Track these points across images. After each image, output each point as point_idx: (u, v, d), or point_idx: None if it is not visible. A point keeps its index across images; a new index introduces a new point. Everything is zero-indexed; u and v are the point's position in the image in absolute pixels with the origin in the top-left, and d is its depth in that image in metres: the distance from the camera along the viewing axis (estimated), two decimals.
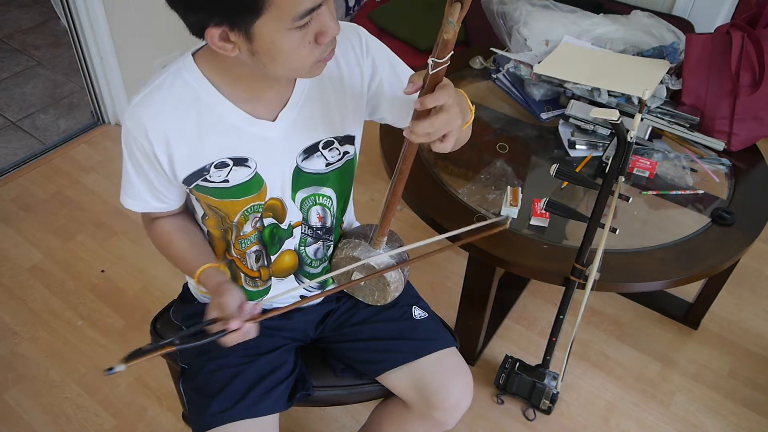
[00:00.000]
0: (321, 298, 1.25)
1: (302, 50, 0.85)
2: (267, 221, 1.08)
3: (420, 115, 0.82)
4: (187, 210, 1.14)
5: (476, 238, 1.13)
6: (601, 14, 2.01)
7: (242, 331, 0.94)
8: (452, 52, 0.78)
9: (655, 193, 1.59)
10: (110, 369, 0.85)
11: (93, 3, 2.28)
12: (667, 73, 1.81)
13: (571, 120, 1.74)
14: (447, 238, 1.18)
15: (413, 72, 1.07)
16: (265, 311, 0.99)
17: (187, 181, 1.00)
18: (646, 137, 1.71)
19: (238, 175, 1.01)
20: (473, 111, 1.00)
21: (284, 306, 1.04)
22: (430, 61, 0.78)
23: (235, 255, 1.13)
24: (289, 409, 1.17)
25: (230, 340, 0.95)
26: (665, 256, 1.43)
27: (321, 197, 1.11)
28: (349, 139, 1.08)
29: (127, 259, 2.10)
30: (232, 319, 0.93)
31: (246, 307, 0.96)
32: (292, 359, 1.21)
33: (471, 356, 1.81)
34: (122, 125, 0.97)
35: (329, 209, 1.13)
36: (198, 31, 0.84)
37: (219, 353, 1.15)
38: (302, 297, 1.23)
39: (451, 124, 0.82)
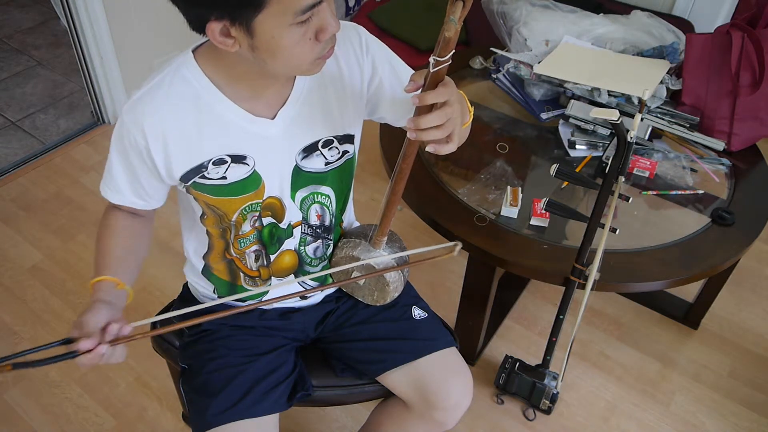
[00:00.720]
0: (322, 297, 1.25)
1: (303, 46, 0.85)
2: (266, 221, 1.08)
3: (421, 112, 0.82)
4: (150, 218, 1.11)
5: (425, 260, 1.09)
6: (601, 14, 2.01)
7: (96, 353, 0.84)
8: (454, 51, 0.78)
9: (655, 193, 1.59)
10: None
11: (93, 3, 2.28)
12: (667, 73, 1.81)
13: (571, 120, 1.74)
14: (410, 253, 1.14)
15: (413, 71, 1.07)
16: (131, 336, 0.90)
17: (185, 177, 0.99)
18: (646, 137, 1.71)
19: (236, 173, 1.01)
20: (472, 112, 1.00)
21: (286, 305, 1.03)
22: (431, 59, 0.78)
23: (234, 254, 1.13)
24: (289, 409, 1.17)
25: (83, 362, 0.85)
26: (665, 256, 1.43)
27: (320, 196, 1.11)
28: (348, 138, 1.08)
29: None
30: (86, 334, 0.85)
31: (111, 329, 0.87)
32: (292, 359, 1.21)
33: (471, 356, 1.81)
34: (119, 118, 0.97)
35: (328, 208, 1.13)
36: (199, 26, 0.84)
37: (219, 353, 1.15)
38: (302, 297, 1.23)
39: (453, 120, 0.82)
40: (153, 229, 1.13)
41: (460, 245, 1.06)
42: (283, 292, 1.19)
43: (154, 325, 1.20)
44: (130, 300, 1.02)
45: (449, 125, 0.82)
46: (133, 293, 1.02)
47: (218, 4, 0.80)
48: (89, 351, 0.84)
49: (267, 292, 1.18)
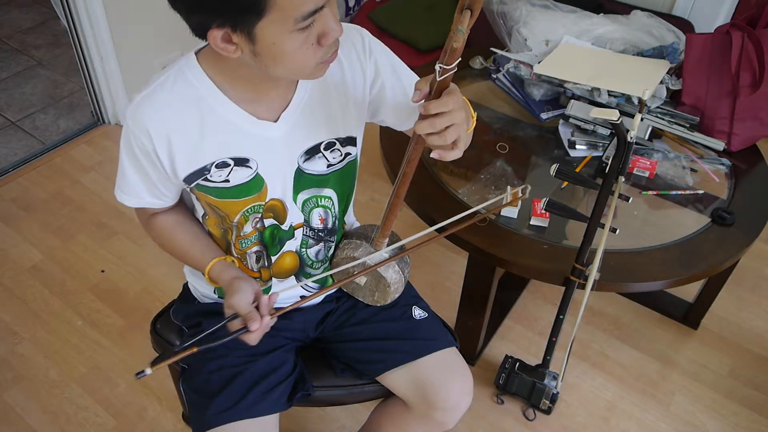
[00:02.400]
0: (322, 297, 1.25)
1: (305, 52, 0.85)
2: (267, 222, 1.08)
3: (424, 118, 0.82)
4: (182, 203, 1.14)
5: (461, 226, 1.13)
6: (601, 14, 2.01)
7: (264, 326, 0.96)
8: (460, 59, 0.78)
9: (655, 193, 1.59)
10: (140, 372, 0.88)
11: (93, 3, 2.28)
12: (667, 73, 1.81)
13: (571, 120, 1.74)
14: (437, 229, 1.18)
15: (415, 74, 1.08)
16: (277, 309, 1.00)
17: (188, 179, 1.00)
18: (646, 137, 1.71)
19: (239, 176, 1.01)
20: (475, 117, 1.00)
21: (286, 306, 1.04)
22: (437, 67, 0.78)
23: (235, 255, 1.13)
24: (289, 409, 1.17)
25: (252, 339, 0.96)
26: (665, 256, 1.43)
27: (322, 199, 1.11)
28: (350, 141, 1.08)
29: (127, 259, 2.10)
30: (249, 316, 0.94)
31: (263, 304, 0.97)
32: (292, 359, 1.21)
33: (471, 356, 1.81)
34: (124, 122, 0.98)
35: (331, 211, 1.13)
36: (201, 33, 0.84)
37: (219, 353, 1.15)
38: (302, 297, 1.23)
39: (458, 127, 0.82)
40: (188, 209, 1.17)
41: (529, 187, 1.11)
42: (285, 295, 1.19)
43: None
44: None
45: (454, 131, 0.82)
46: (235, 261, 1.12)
47: (219, 12, 0.80)
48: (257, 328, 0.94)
49: (268, 291, 1.18)
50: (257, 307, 0.97)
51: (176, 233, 1.10)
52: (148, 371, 0.88)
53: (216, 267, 1.07)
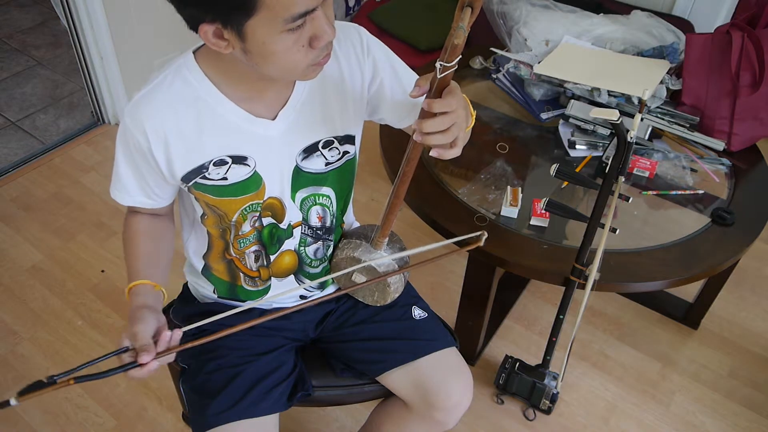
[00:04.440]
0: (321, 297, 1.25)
1: (295, 53, 0.85)
2: (266, 221, 1.08)
3: (425, 116, 0.82)
4: (170, 215, 1.13)
5: (450, 252, 1.11)
6: (601, 14, 2.01)
7: (149, 367, 0.87)
8: (461, 57, 0.78)
9: (655, 193, 1.59)
10: (4, 403, 0.78)
11: (93, 3, 2.28)
12: (667, 73, 1.81)
13: (571, 120, 1.74)
14: (450, 243, 1.18)
15: (414, 73, 1.07)
16: (185, 341, 0.92)
17: (186, 178, 1.00)
18: (646, 137, 1.71)
19: (237, 173, 1.01)
20: (474, 115, 1.00)
21: (285, 308, 1.04)
22: (438, 64, 0.78)
23: (234, 255, 1.13)
24: (289, 409, 1.17)
25: (136, 375, 0.88)
26: (665, 256, 1.43)
27: (321, 197, 1.11)
28: (349, 139, 1.08)
29: None
30: (143, 348, 0.87)
31: (163, 339, 0.90)
32: (291, 359, 1.21)
33: (471, 356, 1.81)
34: (121, 120, 0.98)
35: (329, 209, 1.13)
36: (193, 27, 0.85)
37: (219, 353, 1.15)
38: (302, 297, 1.23)
39: (458, 126, 0.82)
40: (174, 228, 1.15)
41: (485, 234, 1.07)
42: (284, 297, 1.19)
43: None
44: (166, 300, 1.05)
45: (454, 130, 0.82)
46: (166, 293, 1.05)
47: (209, 8, 0.80)
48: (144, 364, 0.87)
49: (268, 289, 1.18)
50: (156, 343, 0.90)
51: (139, 239, 1.07)
52: (14, 402, 0.79)
53: (141, 287, 1.01)
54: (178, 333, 0.92)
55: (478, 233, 1.06)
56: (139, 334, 0.89)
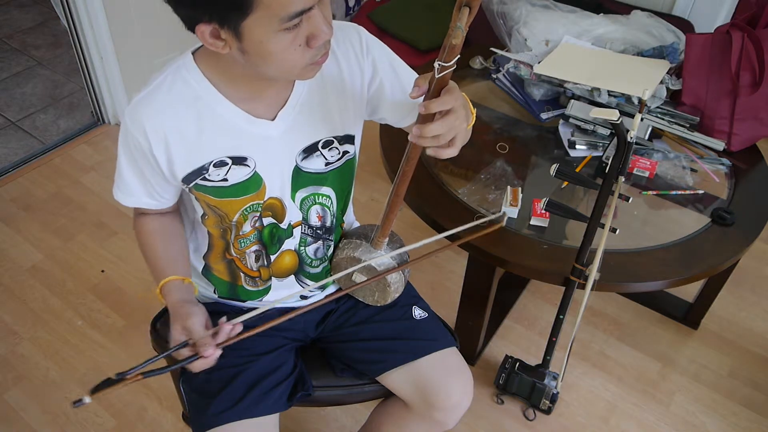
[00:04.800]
0: (321, 298, 1.25)
1: (292, 52, 0.85)
2: (266, 221, 1.08)
3: (425, 118, 0.82)
4: (177, 212, 1.14)
5: (474, 236, 1.12)
6: (601, 14, 2.01)
7: (213, 357, 0.91)
8: (459, 56, 0.78)
9: (655, 193, 1.59)
10: (78, 401, 0.82)
11: (93, 3, 2.28)
12: (667, 73, 1.81)
13: (571, 120, 1.74)
14: (446, 237, 1.18)
15: (414, 72, 1.07)
16: (241, 332, 0.95)
17: (186, 179, 1.00)
18: (646, 137, 1.71)
19: (237, 174, 1.01)
20: (474, 113, 1.00)
21: (305, 306, 1.04)
22: (436, 64, 0.78)
23: (234, 254, 1.13)
24: (289, 409, 1.17)
25: (198, 367, 0.92)
26: (665, 256, 1.43)
27: (320, 197, 1.11)
28: (348, 139, 1.08)
29: (127, 259, 2.10)
30: (201, 343, 0.90)
31: (223, 330, 0.93)
32: (292, 359, 1.21)
33: (471, 356, 1.81)
34: (121, 122, 0.98)
35: (329, 209, 1.13)
36: (190, 27, 0.85)
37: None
38: (302, 297, 1.23)
39: (457, 127, 0.82)
40: (182, 220, 1.16)
41: (506, 215, 1.08)
42: (285, 298, 1.19)
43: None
44: (196, 292, 1.09)
45: (452, 132, 0.82)
46: (197, 286, 1.08)
47: (205, 8, 0.80)
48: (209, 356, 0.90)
49: (269, 289, 1.18)
50: (215, 334, 0.93)
51: (152, 240, 1.08)
52: (87, 400, 0.82)
53: (172, 283, 1.03)
54: (239, 327, 0.95)
55: (499, 213, 1.07)
56: (194, 327, 0.93)
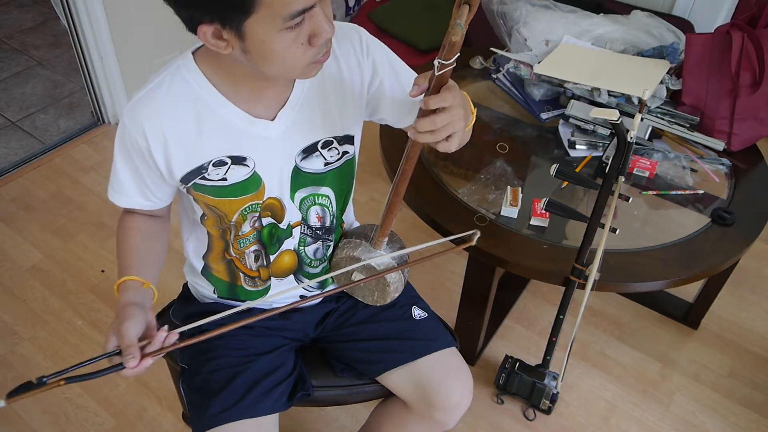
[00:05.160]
0: (320, 298, 1.25)
1: (295, 51, 0.85)
2: (265, 221, 1.08)
3: (424, 114, 0.82)
4: (167, 218, 1.13)
5: (443, 252, 1.11)
6: (601, 14, 2.01)
7: (142, 366, 0.86)
8: (459, 54, 0.78)
9: (655, 193, 1.59)
10: None
11: (93, 3, 2.28)
12: (667, 73, 1.81)
13: (571, 120, 1.74)
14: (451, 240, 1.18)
15: (414, 72, 1.07)
16: (180, 340, 0.91)
17: (185, 179, 1.00)
18: (646, 137, 1.71)
19: (236, 174, 1.01)
20: (475, 113, 1.00)
21: (281, 306, 1.03)
22: (436, 62, 0.78)
23: (233, 255, 1.13)
24: (289, 409, 1.17)
25: (127, 374, 0.87)
26: (665, 256, 1.43)
27: (320, 197, 1.11)
28: (348, 139, 1.08)
29: None
30: (128, 350, 0.85)
31: (157, 339, 0.88)
32: (291, 359, 1.21)
33: (471, 356, 1.81)
34: (120, 121, 0.97)
35: (328, 209, 1.13)
36: (191, 28, 0.85)
37: (219, 353, 1.15)
38: (302, 297, 1.23)
39: (455, 124, 0.82)
40: (169, 229, 1.15)
41: (478, 233, 1.07)
42: (284, 296, 1.19)
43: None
44: (155, 299, 1.03)
45: (448, 128, 0.82)
46: (157, 292, 1.03)
47: (207, 8, 0.80)
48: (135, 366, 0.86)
49: (268, 290, 1.18)
50: (145, 345, 0.88)
51: (133, 235, 1.06)
52: (2, 404, 0.78)
53: (130, 283, 0.98)
54: (174, 335, 0.90)
55: (471, 232, 1.06)
56: (125, 333, 0.87)
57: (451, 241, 1.12)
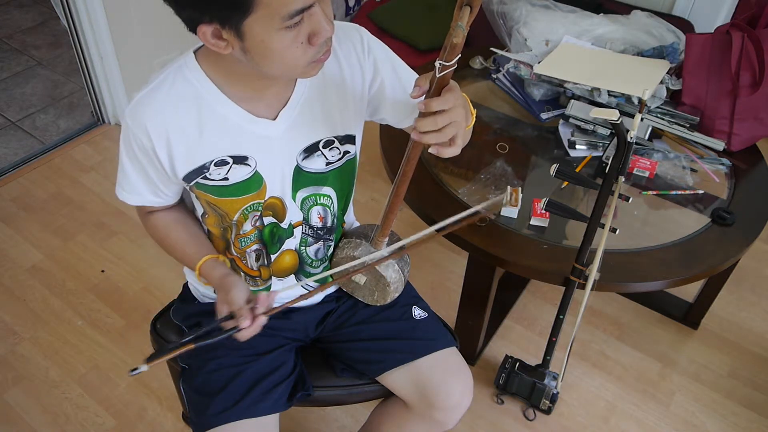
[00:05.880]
0: (321, 297, 1.25)
1: (294, 50, 0.85)
2: (267, 220, 1.08)
3: (425, 116, 0.82)
4: (183, 202, 1.15)
5: (461, 226, 1.10)
6: (601, 14, 2.01)
7: (255, 325, 0.96)
8: (460, 56, 0.78)
9: (655, 193, 1.59)
10: (134, 369, 0.87)
11: (93, 3, 2.28)
12: (667, 73, 1.81)
13: (571, 120, 1.74)
14: (437, 229, 1.17)
15: (415, 72, 1.08)
16: (274, 307, 1.00)
17: (187, 178, 1.00)
18: (646, 137, 1.71)
19: (238, 174, 1.01)
20: (474, 114, 1.00)
21: (289, 299, 1.04)
22: (437, 63, 0.78)
23: (234, 254, 1.13)
24: (289, 409, 1.17)
25: (243, 336, 0.96)
26: (665, 256, 1.43)
27: (321, 197, 1.11)
28: (349, 139, 1.08)
29: (127, 259, 2.10)
30: (241, 312, 0.95)
31: (260, 300, 0.96)
32: (292, 359, 1.21)
33: (471, 356, 1.81)
34: (122, 121, 0.98)
35: (330, 209, 1.13)
36: (191, 28, 0.85)
37: (219, 353, 1.15)
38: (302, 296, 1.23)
39: (457, 124, 0.82)
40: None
41: (521, 193, 1.08)
42: (286, 294, 1.19)
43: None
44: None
45: (452, 129, 0.82)
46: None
47: (206, 8, 0.81)
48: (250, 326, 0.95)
49: (268, 290, 1.17)
50: (253, 306, 0.97)
51: (172, 231, 1.10)
52: (144, 368, 0.87)
53: (208, 263, 1.06)
54: (273, 295, 0.99)
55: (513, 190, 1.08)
56: (234, 298, 0.96)
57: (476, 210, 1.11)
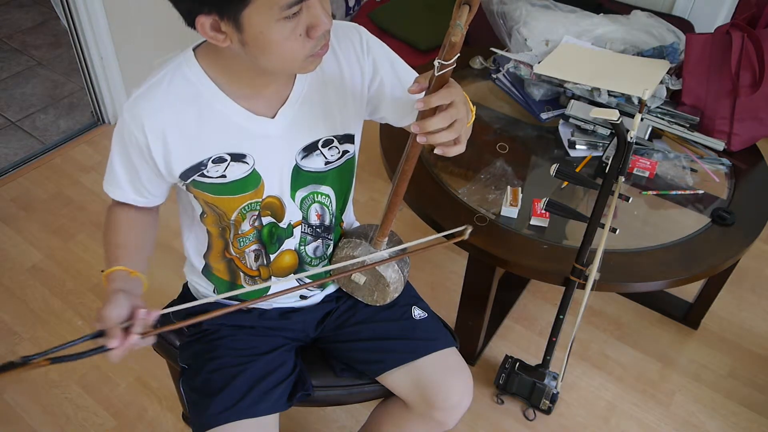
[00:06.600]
0: (321, 297, 1.25)
1: (293, 43, 0.85)
2: (265, 220, 1.08)
3: (425, 115, 0.82)
4: (156, 211, 1.13)
5: (433, 245, 1.11)
6: (601, 14, 2.01)
7: (124, 347, 0.87)
8: (459, 54, 0.78)
9: (655, 193, 1.59)
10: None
11: (93, 3, 2.28)
12: (667, 73, 1.81)
13: (571, 120, 1.74)
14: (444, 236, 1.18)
15: (414, 72, 1.08)
16: (163, 324, 0.92)
17: (184, 175, 1.00)
18: (646, 137, 1.71)
19: (236, 171, 1.01)
20: (474, 111, 1.00)
21: (284, 302, 1.04)
22: (436, 62, 0.78)
23: (233, 254, 1.13)
24: (289, 409, 1.17)
25: (113, 356, 0.88)
26: (665, 256, 1.43)
27: (320, 195, 1.11)
28: (348, 138, 1.08)
29: None
30: (110, 332, 0.87)
31: (138, 321, 0.89)
32: (291, 359, 1.21)
33: (471, 356, 1.81)
34: (119, 116, 0.97)
35: (328, 207, 1.13)
36: (189, 20, 0.85)
37: (219, 353, 1.15)
38: (302, 297, 1.23)
39: (460, 121, 0.82)
40: (158, 221, 1.14)
41: (470, 228, 1.07)
42: (284, 295, 1.19)
43: (165, 318, 1.21)
44: (146, 287, 1.03)
45: (456, 126, 0.82)
46: (146, 281, 1.03)
47: None
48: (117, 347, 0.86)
49: (268, 288, 1.18)
50: (129, 326, 0.89)
51: (124, 225, 1.06)
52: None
53: (117, 273, 0.99)
54: (154, 313, 0.91)
55: (463, 227, 1.08)
56: (107, 315, 0.88)
57: (444, 236, 1.12)
